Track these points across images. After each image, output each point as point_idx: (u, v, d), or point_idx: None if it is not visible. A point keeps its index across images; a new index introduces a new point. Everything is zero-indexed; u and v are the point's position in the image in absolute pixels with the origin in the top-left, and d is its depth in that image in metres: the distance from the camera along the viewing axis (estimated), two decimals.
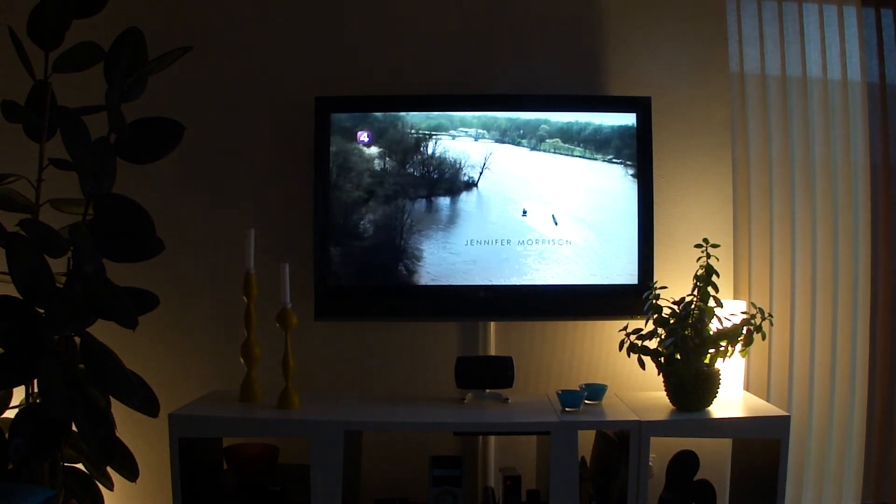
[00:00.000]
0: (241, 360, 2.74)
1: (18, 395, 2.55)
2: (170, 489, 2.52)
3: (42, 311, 2.38)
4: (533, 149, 2.89)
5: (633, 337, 2.65)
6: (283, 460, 2.86)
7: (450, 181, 2.88)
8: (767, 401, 2.97)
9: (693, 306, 2.61)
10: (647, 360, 2.64)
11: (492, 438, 3.03)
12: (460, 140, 2.89)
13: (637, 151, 2.88)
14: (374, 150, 2.89)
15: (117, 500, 2.86)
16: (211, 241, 3.05)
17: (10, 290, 2.32)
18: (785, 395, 3.05)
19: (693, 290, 2.64)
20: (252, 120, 3.06)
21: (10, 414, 2.48)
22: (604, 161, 2.88)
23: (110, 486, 2.61)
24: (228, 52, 3.06)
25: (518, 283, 2.88)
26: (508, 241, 2.88)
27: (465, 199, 2.88)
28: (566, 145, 2.89)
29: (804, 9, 3.09)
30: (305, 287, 2.85)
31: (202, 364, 3.05)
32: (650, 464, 2.59)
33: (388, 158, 2.89)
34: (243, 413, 2.63)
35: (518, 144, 2.89)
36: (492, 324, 3.03)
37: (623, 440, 2.58)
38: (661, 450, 2.78)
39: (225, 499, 2.75)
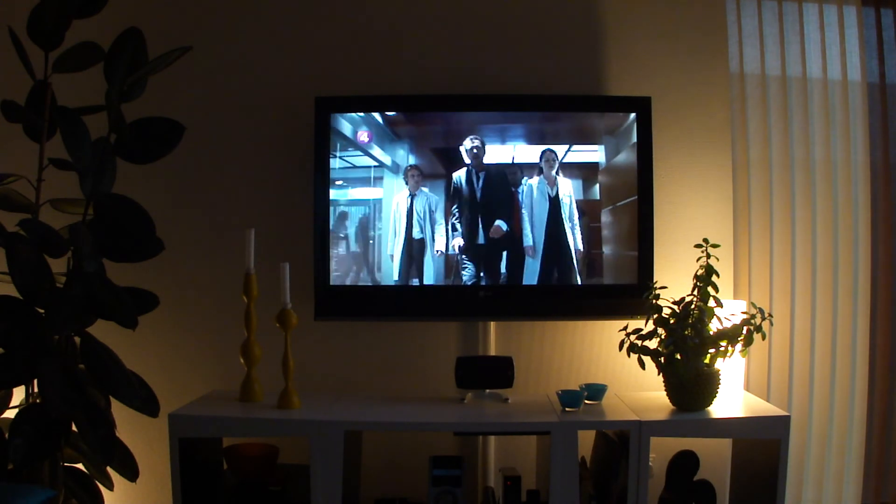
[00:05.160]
0: (241, 360, 2.74)
1: (18, 395, 2.55)
2: (170, 489, 2.52)
3: (42, 311, 2.38)
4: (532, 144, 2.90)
5: (633, 337, 2.65)
6: (283, 460, 2.86)
7: (449, 178, 2.89)
8: (767, 401, 2.97)
9: (693, 306, 2.61)
10: (647, 360, 2.64)
11: (492, 438, 3.03)
12: (459, 136, 2.89)
13: (637, 151, 2.88)
14: (374, 149, 2.89)
15: (117, 500, 2.86)
16: (211, 241, 3.05)
17: (10, 290, 2.32)
18: (785, 395, 3.05)
19: (693, 290, 2.64)
20: (252, 120, 3.06)
21: (10, 414, 2.48)
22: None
23: (110, 486, 2.61)
24: (228, 52, 3.06)
25: (518, 283, 2.88)
26: (507, 241, 2.89)
27: (465, 197, 2.89)
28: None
29: (804, 9, 3.09)
30: (305, 287, 2.85)
31: (202, 364, 3.05)
32: (650, 464, 2.59)
33: (388, 157, 2.89)
34: (243, 413, 2.63)
35: (517, 141, 2.90)
36: (492, 324, 3.03)
37: (623, 440, 2.58)
38: (661, 450, 2.78)
39: (225, 499, 2.75)
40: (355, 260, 2.89)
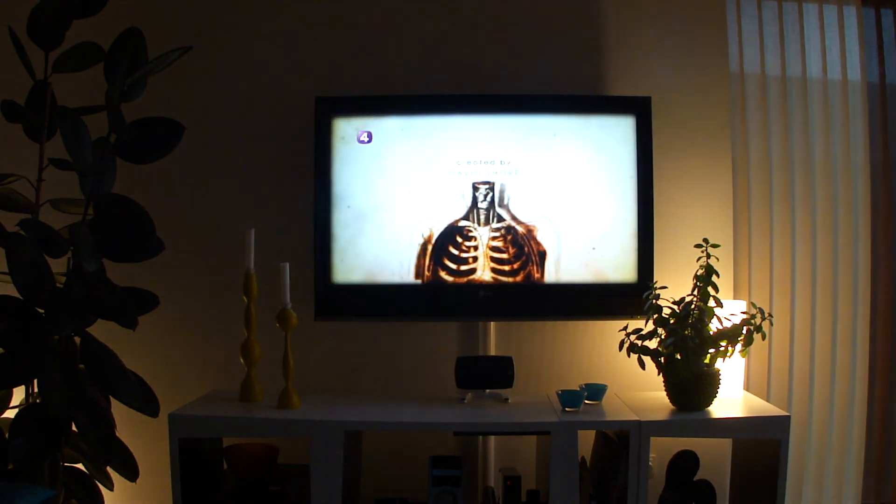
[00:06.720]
0: (241, 360, 2.74)
1: (18, 395, 2.55)
2: (170, 489, 2.52)
3: (42, 311, 2.38)
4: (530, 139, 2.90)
5: (633, 337, 2.65)
6: (283, 460, 2.86)
7: (448, 177, 2.89)
8: (767, 401, 2.97)
9: (693, 306, 2.61)
10: (647, 360, 2.64)
11: (492, 438, 3.03)
12: (459, 137, 2.89)
13: (637, 151, 2.88)
14: (373, 149, 2.89)
15: (117, 500, 2.86)
16: (211, 241, 3.05)
17: (10, 290, 2.32)
18: (785, 395, 3.05)
19: (693, 290, 2.64)
20: (252, 120, 3.07)
21: (10, 414, 2.48)
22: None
23: (110, 486, 2.61)
24: (228, 52, 3.06)
25: (518, 282, 2.88)
26: (514, 230, 2.89)
27: (465, 197, 2.89)
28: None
29: (804, 9, 3.09)
30: (305, 287, 2.85)
31: (202, 364, 3.05)
32: (650, 464, 2.59)
33: (388, 157, 2.89)
34: (243, 413, 2.63)
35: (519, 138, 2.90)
36: (492, 324, 3.03)
37: (623, 440, 2.58)
38: (661, 450, 2.78)
39: (225, 499, 2.75)
40: (357, 258, 2.88)
